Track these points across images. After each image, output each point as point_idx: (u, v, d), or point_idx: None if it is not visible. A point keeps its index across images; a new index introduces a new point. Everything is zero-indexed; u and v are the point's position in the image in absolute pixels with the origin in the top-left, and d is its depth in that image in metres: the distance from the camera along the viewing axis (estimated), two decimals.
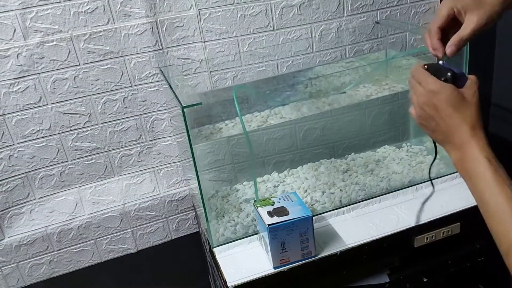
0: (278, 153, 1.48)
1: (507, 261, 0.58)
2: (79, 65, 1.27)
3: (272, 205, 1.08)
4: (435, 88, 0.69)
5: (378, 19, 1.49)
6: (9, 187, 1.32)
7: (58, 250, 1.43)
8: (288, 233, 1.03)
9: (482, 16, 0.72)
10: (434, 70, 0.72)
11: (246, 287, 1.06)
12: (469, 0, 0.73)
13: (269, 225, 1.01)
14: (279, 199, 1.10)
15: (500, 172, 0.63)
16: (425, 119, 0.71)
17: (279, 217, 1.03)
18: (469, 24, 0.72)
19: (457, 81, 0.70)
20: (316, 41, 1.44)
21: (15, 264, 1.40)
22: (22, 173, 1.33)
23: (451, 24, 0.75)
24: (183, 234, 1.56)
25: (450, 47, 0.73)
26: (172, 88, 1.12)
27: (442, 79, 0.70)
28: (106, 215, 1.43)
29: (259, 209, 1.07)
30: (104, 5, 1.23)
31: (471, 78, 0.71)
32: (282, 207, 1.07)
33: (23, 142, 1.30)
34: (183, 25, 1.32)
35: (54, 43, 1.23)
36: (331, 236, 1.15)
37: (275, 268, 1.06)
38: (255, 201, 1.12)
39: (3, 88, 1.23)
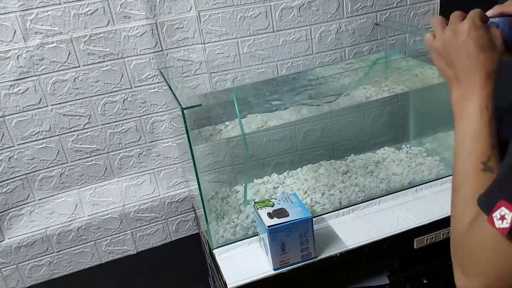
0: (278, 155, 1.48)
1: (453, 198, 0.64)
2: (79, 66, 1.27)
3: (272, 206, 1.08)
4: (480, 25, 0.68)
5: (378, 21, 1.49)
6: (9, 188, 1.32)
7: (57, 252, 1.43)
8: (288, 235, 1.03)
9: None
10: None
11: None
12: None
13: (268, 226, 1.01)
14: (279, 200, 1.10)
15: (491, 123, 0.64)
16: (448, 46, 0.69)
17: (279, 218, 1.03)
18: None
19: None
20: (316, 43, 1.44)
21: (14, 266, 1.40)
22: (22, 175, 1.33)
23: None
24: (183, 236, 1.56)
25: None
26: (172, 89, 1.12)
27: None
28: (106, 217, 1.43)
29: (259, 211, 1.07)
30: (104, 7, 1.23)
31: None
32: (282, 208, 1.07)
33: (23, 143, 1.30)
34: (183, 27, 1.32)
35: (54, 44, 1.23)
36: (331, 238, 1.15)
37: (275, 269, 1.06)
38: (255, 202, 1.12)
39: (3, 90, 1.23)
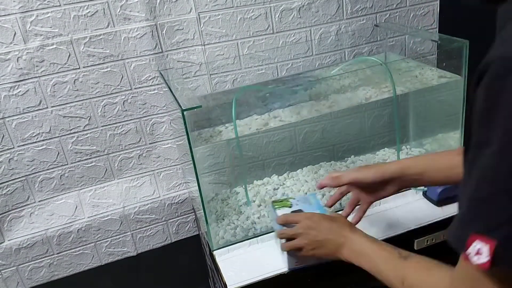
0: (278, 156, 1.48)
1: None
2: (79, 68, 1.27)
3: (290, 207, 1.06)
4: (308, 215, 0.94)
5: (378, 22, 1.49)
6: (9, 190, 1.32)
7: (58, 253, 1.43)
8: None
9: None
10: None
11: None
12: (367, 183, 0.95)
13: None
14: (298, 201, 1.08)
15: (377, 241, 0.82)
16: (311, 242, 0.90)
17: None
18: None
19: None
20: (316, 44, 1.44)
21: (15, 267, 1.40)
22: (22, 176, 1.33)
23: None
24: (183, 237, 1.56)
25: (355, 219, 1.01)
26: (172, 91, 1.12)
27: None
28: (106, 218, 1.43)
29: (277, 211, 1.05)
30: (104, 9, 1.23)
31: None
32: (300, 210, 1.05)
33: (23, 145, 1.30)
34: (183, 28, 1.32)
35: (54, 46, 1.23)
36: None
37: (290, 269, 1.05)
38: (273, 201, 1.09)
39: (3, 92, 1.23)
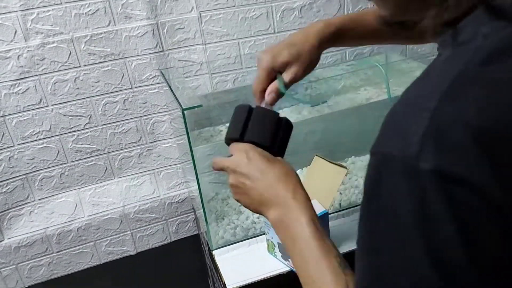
0: None
1: None
2: (79, 66, 1.27)
3: None
4: (244, 147, 0.69)
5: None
6: (8, 188, 1.32)
7: (57, 252, 1.42)
8: None
9: (300, 67, 0.77)
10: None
11: None
12: (286, 56, 0.77)
13: None
14: None
15: (321, 233, 0.62)
16: (238, 189, 0.70)
17: None
18: (289, 74, 0.77)
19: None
20: None
21: (14, 266, 1.40)
22: (22, 175, 1.33)
23: (273, 78, 0.78)
24: (183, 237, 1.56)
25: (269, 95, 0.77)
26: (173, 90, 1.12)
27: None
28: (106, 217, 1.43)
29: None
30: (105, 7, 1.23)
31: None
32: None
33: (23, 143, 1.30)
34: (184, 27, 1.32)
35: (55, 44, 1.23)
36: (332, 239, 1.14)
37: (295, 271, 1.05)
38: None
39: (4, 89, 1.23)
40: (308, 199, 0.66)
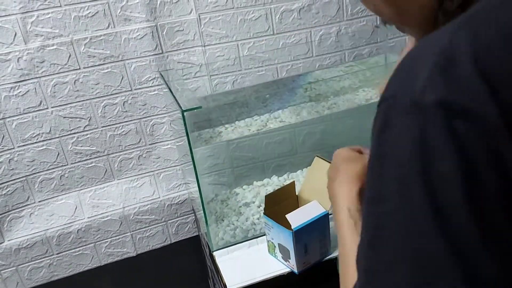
0: (278, 157, 1.48)
1: None
2: (79, 69, 1.27)
3: None
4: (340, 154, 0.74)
5: (378, 23, 1.49)
6: (9, 190, 1.32)
7: (57, 254, 1.43)
8: (309, 234, 1.03)
9: None
10: None
11: None
12: None
13: (294, 229, 1.00)
14: None
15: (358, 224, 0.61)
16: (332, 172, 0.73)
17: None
18: None
19: None
20: (316, 46, 1.45)
21: (14, 268, 1.40)
22: (22, 177, 1.33)
23: None
24: (183, 238, 1.56)
25: None
26: (172, 92, 1.12)
27: None
28: (106, 219, 1.43)
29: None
30: (104, 10, 1.24)
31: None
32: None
33: (23, 145, 1.30)
34: (183, 30, 1.32)
35: (55, 47, 1.23)
36: (332, 240, 1.15)
37: (299, 273, 1.05)
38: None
39: (4, 92, 1.23)
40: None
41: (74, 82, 1.28)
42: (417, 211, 0.37)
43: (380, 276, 0.39)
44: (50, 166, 1.35)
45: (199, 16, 1.31)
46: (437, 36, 0.41)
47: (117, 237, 1.47)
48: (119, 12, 1.25)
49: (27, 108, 1.27)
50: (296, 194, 1.16)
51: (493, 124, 0.35)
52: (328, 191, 0.71)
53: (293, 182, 1.14)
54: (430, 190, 0.36)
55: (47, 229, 1.39)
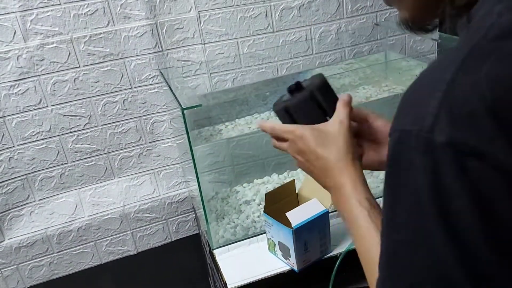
0: (278, 155, 1.48)
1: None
2: (79, 67, 1.27)
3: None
4: (293, 136, 0.67)
5: (378, 21, 1.49)
6: (9, 189, 1.32)
7: (58, 252, 1.43)
8: (309, 232, 1.03)
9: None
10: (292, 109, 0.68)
11: None
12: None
13: (294, 227, 1.00)
14: None
15: (371, 212, 0.59)
16: (302, 165, 0.69)
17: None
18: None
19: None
20: (316, 43, 1.44)
21: (15, 266, 1.40)
22: (22, 175, 1.33)
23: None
24: (183, 236, 1.56)
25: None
26: (172, 90, 1.12)
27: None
28: (106, 217, 1.43)
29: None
30: (104, 7, 1.23)
31: (340, 104, 0.68)
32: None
33: (23, 144, 1.30)
34: (183, 27, 1.32)
35: (54, 45, 1.23)
36: (332, 238, 1.15)
37: (299, 270, 1.05)
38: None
39: (3, 90, 1.23)
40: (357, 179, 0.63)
41: (74, 80, 1.28)
42: (436, 246, 0.39)
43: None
44: (50, 164, 1.34)
45: (198, 13, 1.31)
46: (442, 67, 0.41)
47: (118, 235, 1.47)
48: (119, 10, 1.25)
49: (27, 106, 1.27)
50: (296, 192, 1.16)
51: (504, 160, 0.36)
52: (326, 189, 0.67)
53: (293, 180, 1.14)
54: (448, 228, 0.38)
55: (48, 228, 1.39)
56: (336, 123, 0.66)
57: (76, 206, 1.41)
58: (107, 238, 1.46)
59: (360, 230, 0.59)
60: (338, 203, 0.64)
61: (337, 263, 1.07)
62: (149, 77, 1.34)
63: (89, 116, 1.33)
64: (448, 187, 0.38)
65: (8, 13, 1.17)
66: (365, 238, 0.58)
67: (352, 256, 1.10)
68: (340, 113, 0.67)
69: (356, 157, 0.65)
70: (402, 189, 0.42)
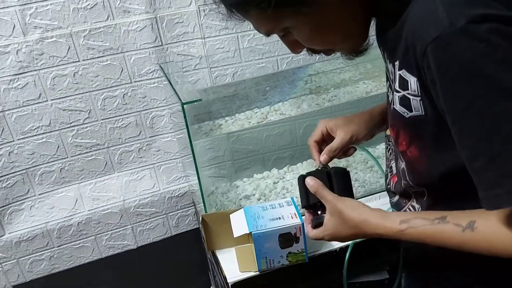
0: (278, 150, 1.48)
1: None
2: (78, 61, 1.27)
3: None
4: (333, 211, 0.75)
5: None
6: (9, 183, 1.32)
7: (58, 246, 1.43)
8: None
9: (347, 132, 0.90)
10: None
11: (246, 283, 1.06)
12: (340, 120, 0.92)
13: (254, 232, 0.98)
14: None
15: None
16: (338, 233, 0.76)
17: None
18: (338, 139, 0.89)
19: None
20: None
21: (15, 260, 1.40)
22: (22, 170, 1.33)
23: (327, 138, 0.91)
24: (183, 231, 1.56)
25: (322, 156, 0.89)
26: (172, 84, 1.12)
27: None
28: (106, 212, 1.43)
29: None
30: (103, 1, 1.23)
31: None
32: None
33: (23, 138, 1.30)
34: (182, 21, 1.31)
35: (54, 39, 1.23)
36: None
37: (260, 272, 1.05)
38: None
39: (3, 84, 1.23)
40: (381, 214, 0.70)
41: (74, 74, 1.28)
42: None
43: None
44: (50, 159, 1.34)
45: (198, 8, 1.31)
46: None
47: (118, 230, 1.48)
48: (118, 4, 1.24)
49: (27, 100, 1.26)
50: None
51: None
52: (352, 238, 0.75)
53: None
54: None
55: (48, 222, 1.39)
56: (329, 209, 0.76)
57: (76, 201, 1.41)
58: (107, 233, 1.47)
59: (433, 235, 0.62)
60: (392, 238, 0.68)
61: (347, 256, 1.07)
62: (149, 71, 1.34)
63: (89, 111, 1.33)
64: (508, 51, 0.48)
65: (8, 7, 1.16)
66: (443, 233, 0.61)
67: (350, 250, 1.11)
68: (322, 198, 0.78)
69: (359, 207, 0.72)
70: (475, 89, 0.49)
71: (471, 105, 0.51)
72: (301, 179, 0.83)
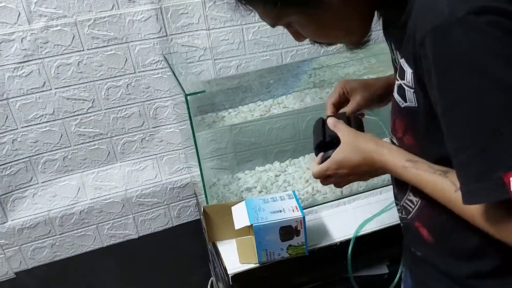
0: (280, 143, 1.48)
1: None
2: (83, 50, 1.27)
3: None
4: (339, 158, 0.78)
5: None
6: (12, 170, 1.33)
7: (60, 234, 1.44)
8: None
9: (364, 97, 0.90)
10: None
11: (246, 275, 1.07)
12: (356, 84, 0.92)
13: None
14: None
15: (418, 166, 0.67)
16: (354, 179, 0.82)
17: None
18: (353, 103, 0.90)
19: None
20: None
21: (17, 247, 1.41)
22: (25, 157, 1.34)
23: (343, 100, 0.92)
24: (184, 221, 1.57)
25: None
26: (176, 75, 1.12)
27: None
28: (108, 201, 1.44)
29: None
30: None
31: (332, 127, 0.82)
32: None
33: (26, 126, 1.30)
34: (187, 12, 1.31)
35: (59, 28, 1.23)
36: (332, 226, 1.15)
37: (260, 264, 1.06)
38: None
39: (7, 72, 1.23)
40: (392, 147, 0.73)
41: (78, 63, 1.28)
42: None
43: (500, 144, 0.49)
44: (53, 147, 1.35)
45: None
46: None
47: (119, 219, 1.48)
48: None
49: (31, 89, 1.27)
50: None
51: None
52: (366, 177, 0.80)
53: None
54: None
55: (50, 210, 1.40)
56: (344, 138, 0.78)
57: (78, 189, 1.41)
58: (109, 222, 1.48)
59: (429, 185, 0.64)
60: (394, 174, 0.72)
61: (350, 249, 1.07)
62: (153, 62, 1.33)
63: (92, 100, 1.33)
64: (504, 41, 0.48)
65: None
66: (436, 184, 0.63)
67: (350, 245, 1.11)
68: (339, 131, 0.80)
69: (373, 138, 0.75)
70: (472, 78, 0.50)
71: (463, 95, 0.51)
72: (320, 120, 0.86)
